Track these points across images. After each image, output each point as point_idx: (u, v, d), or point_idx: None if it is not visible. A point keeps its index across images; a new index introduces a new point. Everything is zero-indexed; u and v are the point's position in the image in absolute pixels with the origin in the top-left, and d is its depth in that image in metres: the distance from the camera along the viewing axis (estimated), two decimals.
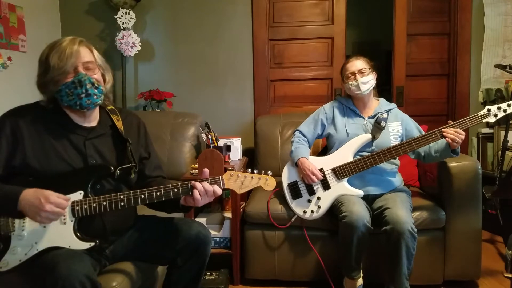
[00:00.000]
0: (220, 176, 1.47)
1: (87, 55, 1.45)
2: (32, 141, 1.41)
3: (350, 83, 2.20)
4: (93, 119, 1.53)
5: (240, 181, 1.48)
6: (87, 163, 1.46)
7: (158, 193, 1.43)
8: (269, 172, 1.51)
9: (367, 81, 2.17)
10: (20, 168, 1.40)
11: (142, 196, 1.42)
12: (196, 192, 1.42)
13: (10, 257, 1.35)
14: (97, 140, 1.51)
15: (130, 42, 3.00)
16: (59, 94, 1.42)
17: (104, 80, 1.52)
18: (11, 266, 1.35)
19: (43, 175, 1.40)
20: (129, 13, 3.00)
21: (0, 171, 1.38)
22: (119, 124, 1.57)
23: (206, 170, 1.49)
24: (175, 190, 1.44)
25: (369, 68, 2.21)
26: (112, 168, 1.46)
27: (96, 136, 1.52)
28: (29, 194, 1.31)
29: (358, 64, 2.21)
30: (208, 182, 1.44)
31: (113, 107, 1.62)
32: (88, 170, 1.45)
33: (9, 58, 2.64)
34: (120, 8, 3.00)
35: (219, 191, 1.45)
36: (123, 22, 2.99)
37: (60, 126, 1.47)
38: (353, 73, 2.19)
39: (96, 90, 1.44)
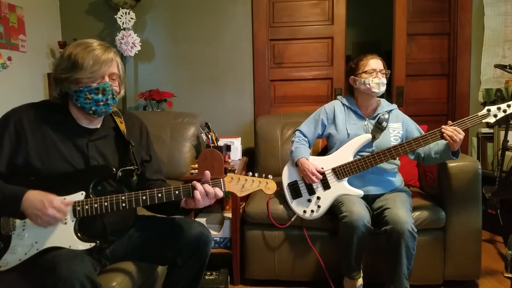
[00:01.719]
0: (221, 179, 1.47)
1: (116, 67, 1.47)
2: (35, 140, 1.41)
3: (371, 79, 2.13)
4: (97, 121, 1.54)
5: (241, 184, 1.49)
6: (89, 164, 1.47)
7: (160, 195, 1.43)
8: (269, 175, 1.52)
9: (385, 83, 2.16)
10: (22, 167, 1.40)
11: (144, 198, 1.42)
12: (196, 193, 1.42)
13: (10, 257, 1.35)
14: (100, 141, 1.51)
15: (130, 42, 3.01)
16: (77, 94, 1.41)
17: (119, 92, 1.53)
18: (11, 265, 1.35)
19: (44, 175, 1.40)
20: (129, 13, 3.00)
21: (3, 169, 1.38)
22: (122, 127, 1.57)
23: (208, 172, 1.49)
24: (176, 192, 1.44)
25: (386, 72, 2.19)
26: (114, 170, 1.46)
27: (99, 138, 1.52)
28: (33, 196, 1.32)
29: (380, 64, 2.17)
30: (209, 184, 1.45)
31: (116, 109, 1.62)
32: (90, 171, 1.46)
33: (9, 58, 2.64)
34: (120, 8, 3.00)
35: (220, 193, 1.46)
36: (123, 22, 2.99)
37: (64, 126, 1.47)
38: (375, 71, 2.14)
39: (112, 101, 1.46)
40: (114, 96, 1.47)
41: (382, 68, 2.17)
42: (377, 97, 2.29)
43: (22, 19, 2.78)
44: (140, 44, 3.05)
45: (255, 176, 1.51)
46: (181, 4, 3.21)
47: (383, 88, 2.15)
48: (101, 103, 1.43)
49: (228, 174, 1.49)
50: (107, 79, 1.44)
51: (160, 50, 3.26)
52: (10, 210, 1.35)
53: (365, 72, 2.16)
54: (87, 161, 1.47)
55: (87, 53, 1.41)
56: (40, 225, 1.34)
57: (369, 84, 2.14)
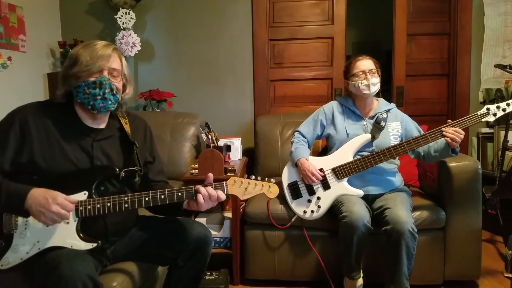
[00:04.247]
0: (224, 182, 1.48)
1: (116, 62, 1.48)
2: (40, 139, 1.42)
3: (360, 81, 2.15)
4: (102, 121, 1.54)
5: (243, 187, 1.50)
6: (93, 164, 1.47)
7: (162, 196, 1.43)
8: (272, 179, 1.53)
9: (376, 82, 2.16)
10: (26, 165, 1.40)
11: (146, 199, 1.43)
12: (200, 197, 1.43)
13: (12, 255, 1.35)
14: (104, 142, 1.52)
15: (130, 42, 3.01)
16: (76, 89, 1.43)
17: (124, 91, 1.54)
18: (13, 264, 1.35)
19: (48, 174, 1.40)
20: (129, 13, 3.00)
21: (7, 167, 1.38)
22: (127, 127, 1.58)
23: (211, 175, 1.50)
24: (179, 194, 1.44)
25: (378, 70, 2.20)
26: (117, 170, 1.46)
27: (104, 138, 1.52)
28: (38, 193, 1.32)
29: (369, 64, 2.18)
30: (212, 187, 1.46)
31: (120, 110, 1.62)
32: (93, 171, 1.46)
33: (9, 58, 2.63)
34: (120, 8, 3.00)
35: (222, 196, 1.47)
36: (123, 22, 3.00)
37: (69, 126, 1.48)
38: (364, 72, 2.16)
39: (112, 97, 1.46)
40: (114, 92, 1.47)
41: (372, 67, 2.17)
42: (375, 96, 2.29)
43: (22, 19, 2.77)
44: (140, 44, 3.05)
45: (258, 180, 1.51)
46: (181, 4, 3.21)
47: (374, 88, 2.16)
48: (98, 97, 1.43)
49: (231, 177, 1.50)
50: (105, 73, 1.45)
51: (160, 50, 3.26)
52: (14, 207, 1.35)
53: (354, 74, 2.18)
54: (91, 161, 1.47)
55: (87, 49, 1.45)
56: (44, 222, 1.33)
57: (358, 87, 2.16)
